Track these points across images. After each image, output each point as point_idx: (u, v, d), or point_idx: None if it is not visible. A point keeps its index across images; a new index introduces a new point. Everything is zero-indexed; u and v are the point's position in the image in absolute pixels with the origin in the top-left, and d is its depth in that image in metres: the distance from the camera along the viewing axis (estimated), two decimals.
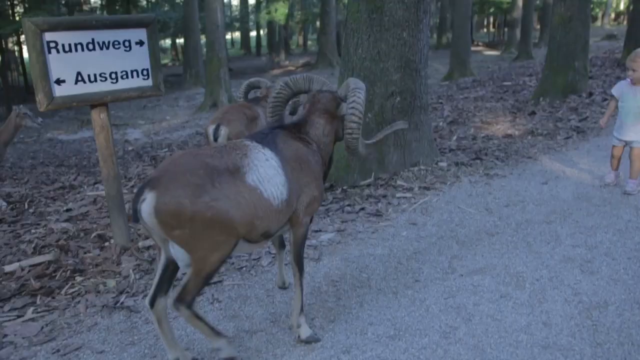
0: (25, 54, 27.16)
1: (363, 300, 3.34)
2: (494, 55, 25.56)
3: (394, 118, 5.28)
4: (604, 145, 6.40)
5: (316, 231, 4.46)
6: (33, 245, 4.48)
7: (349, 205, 4.96)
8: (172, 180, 2.33)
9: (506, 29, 30.25)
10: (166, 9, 25.58)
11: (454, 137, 7.59)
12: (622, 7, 48.78)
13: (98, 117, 3.95)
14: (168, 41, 46.38)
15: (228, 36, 55.19)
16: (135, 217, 2.34)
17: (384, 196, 5.06)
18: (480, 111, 10.00)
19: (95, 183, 6.95)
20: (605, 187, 5.03)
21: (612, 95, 5.00)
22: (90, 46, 3.78)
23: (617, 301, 3.08)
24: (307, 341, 2.90)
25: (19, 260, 4.10)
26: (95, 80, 3.83)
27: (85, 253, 4.21)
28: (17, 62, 26.22)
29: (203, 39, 19.58)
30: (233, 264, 4.01)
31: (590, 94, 9.86)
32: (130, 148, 10.88)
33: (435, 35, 31.38)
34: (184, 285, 2.43)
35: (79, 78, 3.76)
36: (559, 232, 4.09)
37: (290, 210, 2.75)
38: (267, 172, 2.59)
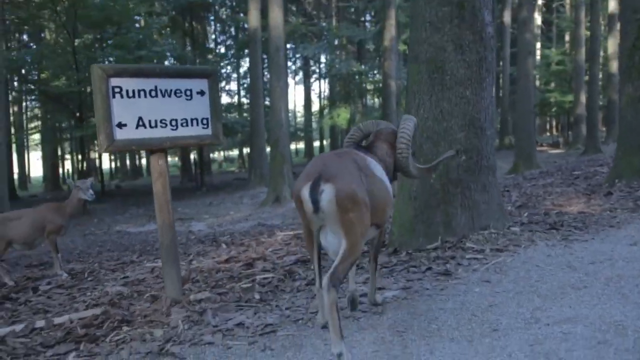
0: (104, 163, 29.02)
1: (433, 348, 2.92)
2: (559, 152, 25.02)
3: (460, 177, 5.02)
4: None
5: (379, 288, 4.11)
6: (86, 304, 4.34)
7: (414, 266, 4.59)
8: (339, 173, 2.89)
9: (570, 132, 29.84)
10: (235, 115, 26.90)
11: (525, 214, 7.15)
12: None
13: (157, 163, 3.92)
14: (236, 151, 48.67)
15: (293, 146, 57.32)
16: (316, 207, 2.83)
17: (453, 257, 4.67)
18: (550, 195, 9.51)
19: (155, 259, 6.89)
20: None
21: None
22: (153, 93, 3.84)
23: None
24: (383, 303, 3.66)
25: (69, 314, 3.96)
26: (156, 126, 3.85)
27: (135, 306, 4.01)
28: (96, 170, 27.88)
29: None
30: (289, 316, 3.69)
31: None
32: (193, 237, 10.94)
33: (497, 138, 31.33)
34: (335, 267, 2.82)
35: (140, 123, 3.79)
36: None
37: (391, 208, 3.57)
38: (381, 171, 3.26)
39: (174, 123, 3.94)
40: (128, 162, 43.17)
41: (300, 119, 51.10)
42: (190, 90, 4.01)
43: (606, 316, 3.10)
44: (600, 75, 27.61)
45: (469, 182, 5.05)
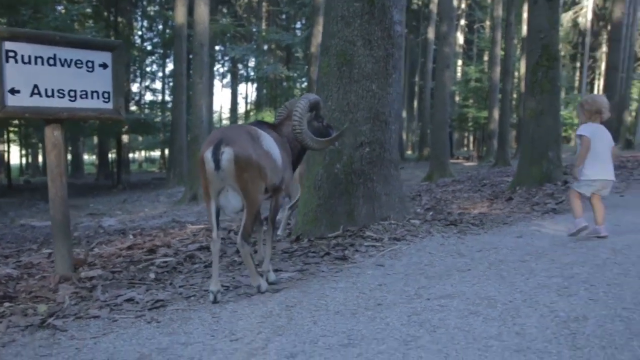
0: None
1: (318, 319, 2.99)
2: (473, 165, 26.15)
3: (363, 168, 5.16)
4: (588, 217, 6.26)
5: (276, 270, 4.15)
6: None
7: (314, 252, 4.68)
8: (238, 139, 3.38)
9: (484, 147, 31.30)
10: (158, 113, 26.27)
11: (430, 213, 7.44)
12: None
13: (51, 134, 3.79)
14: (158, 152, 47.44)
15: None
16: (217, 166, 3.27)
17: (352, 244, 4.79)
18: (458, 199, 9.95)
19: None
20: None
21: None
22: (52, 61, 3.72)
23: (598, 316, 2.78)
24: (274, 283, 3.83)
25: None
26: (52, 95, 3.73)
27: (21, 284, 3.84)
28: (2, 163, 26.36)
29: None
30: (181, 293, 3.67)
31: (565, 182, 9.90)
32: (102, 231, 10.57)
33: (417, 151, 32.33)
34: (243, 225, 3.46)
35: (35, 91, 3.65)
36: (533, 267, 3.82)
37: (280, 177, 3.73)
38: (270, 143, 3.64)
39: (72, 94, 3.83)
40: (40, 158, 41.07)
41: (226, 121, 50.59)
42: (92, 62, 3.91)
43: (481, 293, 3.29)
44: (515, 95, 29.22)
45: (371, 173, 5.21)
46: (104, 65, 3.95)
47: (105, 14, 25.93)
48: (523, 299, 3.11)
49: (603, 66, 33.13)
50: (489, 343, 2.49)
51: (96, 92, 3.92)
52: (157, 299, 3.54)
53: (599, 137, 4.68)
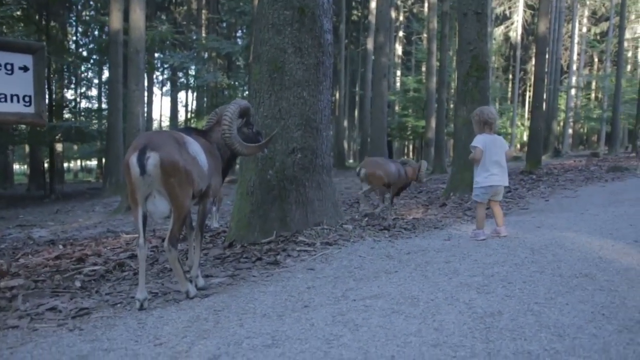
0: None
1: (244, 322, 3.01)
2: None
3: (296, 175, 5.21)
4: (510, 221, 6.54)
5: (207, 276, 4.13)
6: None
7: (246, 257, 4.68)
8: (164, 144, 3.36)
9: (421, 155, 32.05)
10: (94, 121, 25.51)
11: (365, 219, 7.57)
12: (525, 138, 53.28)
13: None
14: (94, 161, 46.02)
15: None
16: (143, 170, 3.24)
17: (284, 250, 4.83)
18: (394, 206, 10.16)
19: None
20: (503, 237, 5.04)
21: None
22: None
23: (511, 311, 2.92)
24: (203, 288, 3.83)
25: None
26: None
27: None
28: None
29: None
30: (107, 300, 3.60)
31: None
32: (31, 242, 10.15)
33: (358, 160, 32.73)
34: (170, 230, 3.50)
35: None
36: (457, 267, 3.97)
37: (207, 183, 3.76)
38: (196, 149, 3.63)
39: None
40: None
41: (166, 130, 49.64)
42: (12, 65, 3.79)
43: (406, 292, 3.39)
44: (452, 105, 30.11)
45: (304, 179, 5.27)
46: (25, 68, 3.83)
47: (37, 17, 25.01)
48: (444, 297, 3.23)
49: (533, 78, 34.70)
50: (408, 339, 2.57)
51: (16, 95, 3.80)
52: (82, 307, 3.46)
53: (490, 146, 5.04)
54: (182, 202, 3.43)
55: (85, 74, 36.37)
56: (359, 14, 41.54)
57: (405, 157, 45.49)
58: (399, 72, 40.21)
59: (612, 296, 3.07)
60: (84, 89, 37.39)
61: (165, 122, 52.10)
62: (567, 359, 2.27)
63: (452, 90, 29.53)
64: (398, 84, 38.21)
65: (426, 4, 29.92)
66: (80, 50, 34.40)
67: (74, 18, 33.35)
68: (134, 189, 3.36)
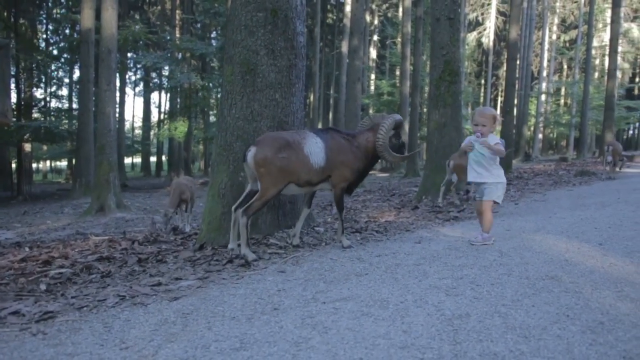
0: None
1: (213, 325, 2.98)
2: (385, 176, 26.95)
3: None
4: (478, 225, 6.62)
5: (177, 279, 4.09)
6: None
7: (216, 260, 4.64)
8: (265, 143, 4.45)
9: None
10: (64, 122, 25.03)
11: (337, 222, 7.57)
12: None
13: None
14: (64, 161, 45.15)
15: (129, 160, 54.78)
16: (244, 159, 4.51)
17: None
18: (367, 209, 10.21)
19: None
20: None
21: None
22: None
23: (479, 313, 2.96)
24: (348, 247, 4.99)
25: None
26: None
27: None
28: None
29: None
30: (73, 304, 3.52)
31: (467, 192, 10.42)
32: None
33: None
34: (250, 204, 4.45)
35: None
36: (427, 270, 4.00)
37: (326, 175, 4.79)
38: (314, 148, 4.66)
39: None
40: None
41: (138, 131, 49.10)
42: None
43: (375, 295, 3.41)
44: (425, 109, 30.39)
45: None
46: None
47: (5, 14, 24.48)
48: (414, 300, 3.25)
49: (504, 83, 35.23)
50: (376, 341, 2.58)
51: None
52: (46, 311, 3.38)
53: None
54: (266, 187, 4.44)
55: (56, 73, 35.78)
56: (334, 17, 41.70)
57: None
58: (373, 76, 40.46)
59: (577, 298, 3.13)
60: (54, 88, 36.77)
61: (138, 123, 51.50)
62: None
63: (426, 94, 29.85)
64: (372, 88, 38.44)
65: (400, 9, 30.16)
66: (51, 48, 33.83)
67: (44, 16, 32.74)
68: (247, 172, 4.67)
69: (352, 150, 4.89)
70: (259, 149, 4.39)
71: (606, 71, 26.62)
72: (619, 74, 35.55)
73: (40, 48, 31.28)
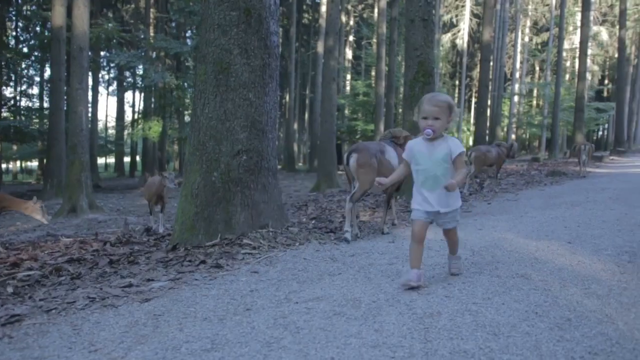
0: None
1: (184, 326, 2.95)
2: None
3: (241, 177, 5.17)
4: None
5: (149, 280, 4.04)
6: None
7: (189, 261, 4.60)
8: (361, 150, 5.60)
9: None
10: (35, 121, 24.57)
11: (313, 222, 7.58)
12: (471, 142, 54.66)
13: None
14: (35, 162, 44.32)
15: (102, 160, 53.99)
16: (347, 163, 5.63)
17: (228, 252, 4.77)
18: (342, 209, 10.21)
19: None
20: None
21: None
22: None
23: (450, 311, 2.98)
24: (387, 233, 6.13)
25: None
26: None
27: None
28: None
29: None
30: (41, 307, 3.46)
31: (482, 186, 10.53)
32: None
33: (308, 163, 32.81)
34: (353, 193, 5.61)
35: None
36: (400, 269, 4.03)
37: None
38: (392, 155, 5.79)
39: None
40: None
41: (112, 131, 48.44)
42: None
43: (348, 294, 3.42)
44: (401, 109, 30.61)
45: (249, 181, 5.22)
46: None
47: None
48: (386, 299, 3.27)
49: (478, 84, 35.66)
50: (348, 341, 2.59)
51: None
52: (13, 314, 3.31)
53: None
54: (363, 183, 5.53)
55: (26, 71, 35.13)
56: (310, 18, 41.72)
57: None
58: (348, 76, 40.58)
59: (546, 295, 3.18)
60: (24, 87, 36.10)
61: (111, 123, 50.81)
62: (501, 357, 2.34)
63: (401, 95, 30.06)
64: (348, 88, 38.56)
65: (376, 10, 30.31)
66: (21, 46, 33.18)
67: (13, 12, 32.07)
68: (347, 172, 5.82)
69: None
70: (359, 155, 5.52)
71: (576, 73, 27.14)
72: (588, 76, 36.31)
73: (10, 46, 30.66)
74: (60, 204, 16.67)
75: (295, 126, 42.02)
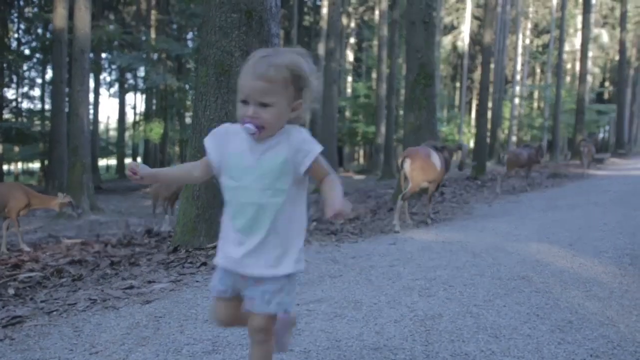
0: None
1: (185, 328, 2.95)
2: (363, 178, 27.04)
3: None
4: (454, 226, 6.69)
5: (150, 282, 4.05)
6: None
7: (190, 262, 4.61)
8: (414, 156, 6.60)
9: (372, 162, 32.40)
10: (37, 123, 24.58)
11: (312, 224, 7.58)
12: (472, 144, 54.63)
13: None
14: (37, 163, 44.37)
15: (104, 162, 54.00)
16: (402, 167, 6.65)
17: None
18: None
19: None
20: (447, 241, 5.14)
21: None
22: None
23: (451, 313, 2.99)
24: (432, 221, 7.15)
25: None
26: None
27: None
28: None
29: None
30: (43, 308, 3.46)
31: (442, 193, 10.53)
32: None
33: None
34: (404, 192, 6.59)
35: None
36: (400, 271, 4.03)
37: (439, 178, 6.98)
38: (436, 158, 6.70)
39: None
40: None
41: (113, 132, 48.48)
42: None
43: (349, 296, 3.42)
44: (402, 111, 30.63)
45: None
46: None
47: None
48: (387, 301, 3.27)
49: (479, 87, 35.67)
50: (349, 343, 2.59)
51: None
52: (14, 315, 3.31)
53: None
54: (415, 182, 6.53)
55: (28, 73, 35.13)
56: (311, 20, 41.70)
57: (356, 162, 45.99)
58: (349, 78, 40.55)
59: (547, 298, 3.18)
60: (26, 89, 36.08)
61: (113, 125, 50.84)
62: (502, 359, 2.34)
63: (402, 97, 30.06)
64: (349, 90, 38.54)
65: (377, 12, 30.32)
66: (22, 48, 33.16)
67: (15, 15, 32.11)
68: (401, 175, 6.78)
69: (445, 161, 7.15)
70: (412, 160, 6.53)
71: (577, 75, 27.15)
72: (589, 78, 36.29)
73: (12, 48, 30.69)
74: None
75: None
